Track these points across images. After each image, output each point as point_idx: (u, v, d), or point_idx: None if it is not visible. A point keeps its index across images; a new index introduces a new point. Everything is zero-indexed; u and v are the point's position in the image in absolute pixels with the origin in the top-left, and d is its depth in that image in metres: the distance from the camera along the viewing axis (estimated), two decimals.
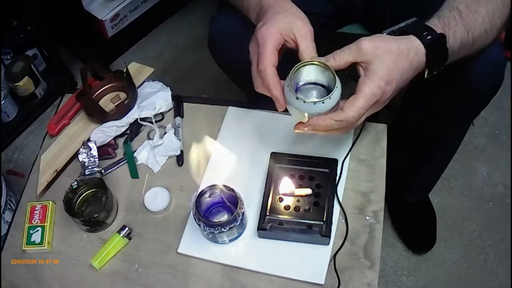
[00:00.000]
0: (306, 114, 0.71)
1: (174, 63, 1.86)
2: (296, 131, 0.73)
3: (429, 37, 0.70)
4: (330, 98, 0.68)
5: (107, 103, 1.03)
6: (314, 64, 0.71)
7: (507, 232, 1.37)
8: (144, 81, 1.06)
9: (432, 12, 0.75)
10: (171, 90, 1.03)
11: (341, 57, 0.71)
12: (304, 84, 0.75)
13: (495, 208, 1.43)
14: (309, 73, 0.73)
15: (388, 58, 0.69)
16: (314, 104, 0.69)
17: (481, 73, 0.86)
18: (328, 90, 0.73)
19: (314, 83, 0.74)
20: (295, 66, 0.71)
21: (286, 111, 0.74)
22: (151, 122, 0.98)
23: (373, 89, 0.68)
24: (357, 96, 0.69)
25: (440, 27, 0.71)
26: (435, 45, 0.70)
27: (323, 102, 0.68)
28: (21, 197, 0.95)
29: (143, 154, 0.96)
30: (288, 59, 0.76)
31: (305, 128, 0.72)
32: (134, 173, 0.94)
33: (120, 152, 0.98)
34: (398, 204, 1.39)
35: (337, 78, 0.70)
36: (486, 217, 1.42)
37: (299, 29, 0.74)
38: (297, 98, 0.69)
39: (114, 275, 0.84)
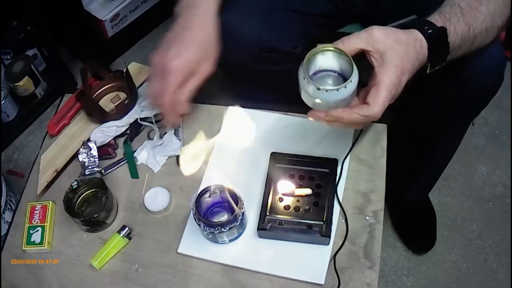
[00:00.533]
0: (319, 101, 0.68)
1: None
2: (310, 118, 0.71)
3: (430, 30, 0.70)
4: (345, 87, 0.66)
5: (107, 103, 1.03)
6: (330, 50, 0.69)
7: (507, 232, 1.37)
8: (144, 81, 1.06)
9: (432, 12, 0.75)
10: None
11: (351, 43, 0.69)
12: (318, 72, 0.72)
13: (495, 208, 1.43)
14: (324, 60, 0.70)
15: (400, 48, 0.68)
16: (337, 91, 0.66)
17: (481, 73, 0.86)
18: (343, 77, 0.70)
19: (329, 70, 0.71)
20: (309, 52, 0.69)
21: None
22: (151, 122, 0.98)
23: (392, 78, 0.66)
24: (379, 88, 0.67)
25: (441, 21, 0.71)
26: (436, 38, 0.70)
27: (338, 90, 0.66)
28: (21, 197, 0.95)
29: (143, 154, 0.96)
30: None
31: (326, 119, 0.70)
32: (134, 173, 0.94)
33: (120, 152, 0.98)
34: (398, 204, 1.39)
35: (354, 64, 0.67)
36: (486, 217, 1.42)
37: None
38: (318, 89, 0.66)
39: (114, 275, 0.84)
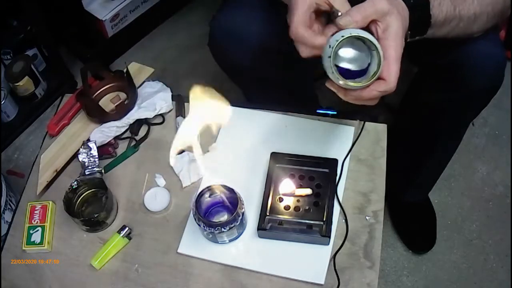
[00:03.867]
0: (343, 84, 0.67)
1: (174, 63, 1.86)
2: (327, 85, 0.70)
3: (412, 0, 0.71)
4: (370, 81, 0.66)
5: (107, 103, 1.03)
6: (353, 37, 0.66)
7: (507, 232, 1.37)
8: (144, 81, 1.06)
9: None
10: (171, 91, 1.03)
11: (361, 13, 0.67)
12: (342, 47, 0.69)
13: (495, 208, 1.43)
14: (348, 47, 0.68)
15: (398, 16, 0.67)
16: (362, 84, 0.66)
17: (481, 73, 0.86)
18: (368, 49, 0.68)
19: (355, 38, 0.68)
20: (334, 41, 0.66)
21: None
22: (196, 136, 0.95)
23: (398, 50, 0.67)
24: (390, 63, 0.67)
25: None
26: (418, 8, 0.71)
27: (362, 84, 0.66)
28: (21, 197, 0.95)
29: (179, 163, 0.93)
30: None
31: (345, 98, 0.69)
32: (109, 166, 0.96)
33: (119, 152, 0.98)
34: (398, 204, 1.39)
35: (377, 45, 0.66)
36: (486, 217, 1.41)
37: None
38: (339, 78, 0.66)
39: (114, 275, 0.84)
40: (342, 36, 0.65)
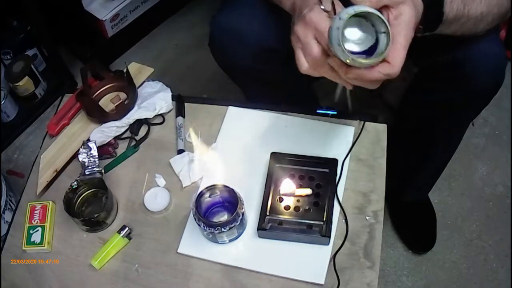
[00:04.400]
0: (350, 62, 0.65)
1: (174, 63, 1.86)
2: (329, 61, 0.69)
3: None
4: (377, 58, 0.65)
5: (107, 103, 1.03)
6: (359, 16, 0.65)
7: (507, 232, 1.37)
8: (144, 81, 1.06)
9: None
10: (171, 91, 1.03)
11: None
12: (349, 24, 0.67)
13: (495, 208, 1.43)
14: (355, 27, 0.67)
15: (415, 5, 0.67)
16: (364, 60, 0.64)
17: (481, 73, 0.86)
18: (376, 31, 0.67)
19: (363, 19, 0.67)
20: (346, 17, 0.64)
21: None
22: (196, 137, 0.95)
23: (407, 37, 0.67)
24: (397, 47, 0.66)
25: None
26: (432, 5, 0.71)
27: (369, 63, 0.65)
28: (21, 197, 0.95)
29: (179, 162, 0.93)
30: None
31: (347, 76, 0.68)
32: (110, 166, 0.96)
33: (119, 152, 0.98)
34: (398, 204, 1.39)
35: (388, 25, 0.64)
36: (486, 217, 1.41)
37: None
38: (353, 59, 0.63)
39: (114, 275, 0.84)
40: (355, 11, 0.63)
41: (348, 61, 0.65)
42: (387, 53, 0.66)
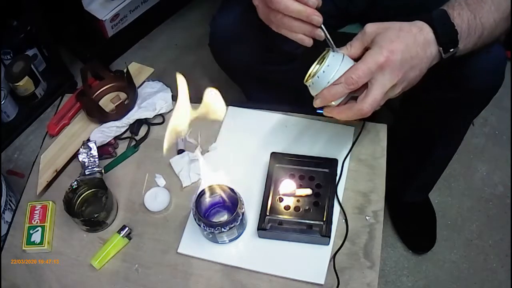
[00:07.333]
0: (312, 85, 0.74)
1: (174, 63, 1.86)
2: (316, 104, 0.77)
3: (429, 14, 0.72)
4: (323, 71, 0.72)
5: (107, 103, 1.03)
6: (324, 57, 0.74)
7: (507, 232, 1.37)
8: (144, 81, 1.06)
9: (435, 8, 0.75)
10: (171, 91, 1.03)
11: (354, 45, 0.74)
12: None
13: (495, 208, 1.43)
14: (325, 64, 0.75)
15: (390, 32, 0.70)
16: (318, 77, 0.73)
17: (481, 72, 0.86)
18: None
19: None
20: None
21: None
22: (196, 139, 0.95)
23: (374, 55, 0.69)
24: (358, 62, 0.70)
25: (442, 8, 0.73)
26: (438, 19, 0.72)
27: (319, 77, 0.73)
28: (21, 197, 0.95)
29: (178, 163, 0.93)
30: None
31: (322, 106, 0.76)
32: (111, 166, 0.96)
33: (119, 152, 0.98)
34: (398, 204, 1.39)
35: (332, 46, 0.73)
36: (486, 217, 1.42)
37: None
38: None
39: (114, 275, 0.84)
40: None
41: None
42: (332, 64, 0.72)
